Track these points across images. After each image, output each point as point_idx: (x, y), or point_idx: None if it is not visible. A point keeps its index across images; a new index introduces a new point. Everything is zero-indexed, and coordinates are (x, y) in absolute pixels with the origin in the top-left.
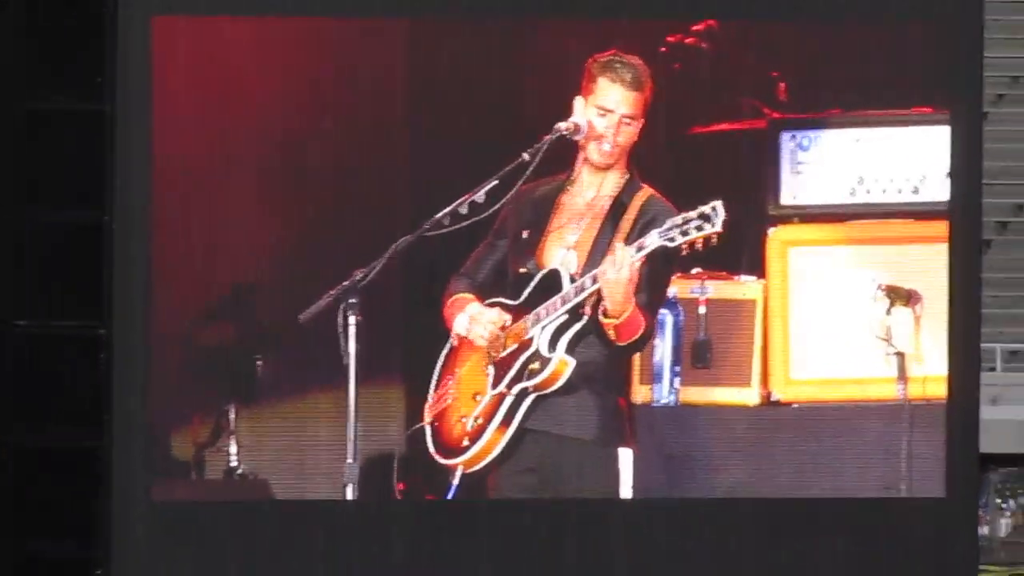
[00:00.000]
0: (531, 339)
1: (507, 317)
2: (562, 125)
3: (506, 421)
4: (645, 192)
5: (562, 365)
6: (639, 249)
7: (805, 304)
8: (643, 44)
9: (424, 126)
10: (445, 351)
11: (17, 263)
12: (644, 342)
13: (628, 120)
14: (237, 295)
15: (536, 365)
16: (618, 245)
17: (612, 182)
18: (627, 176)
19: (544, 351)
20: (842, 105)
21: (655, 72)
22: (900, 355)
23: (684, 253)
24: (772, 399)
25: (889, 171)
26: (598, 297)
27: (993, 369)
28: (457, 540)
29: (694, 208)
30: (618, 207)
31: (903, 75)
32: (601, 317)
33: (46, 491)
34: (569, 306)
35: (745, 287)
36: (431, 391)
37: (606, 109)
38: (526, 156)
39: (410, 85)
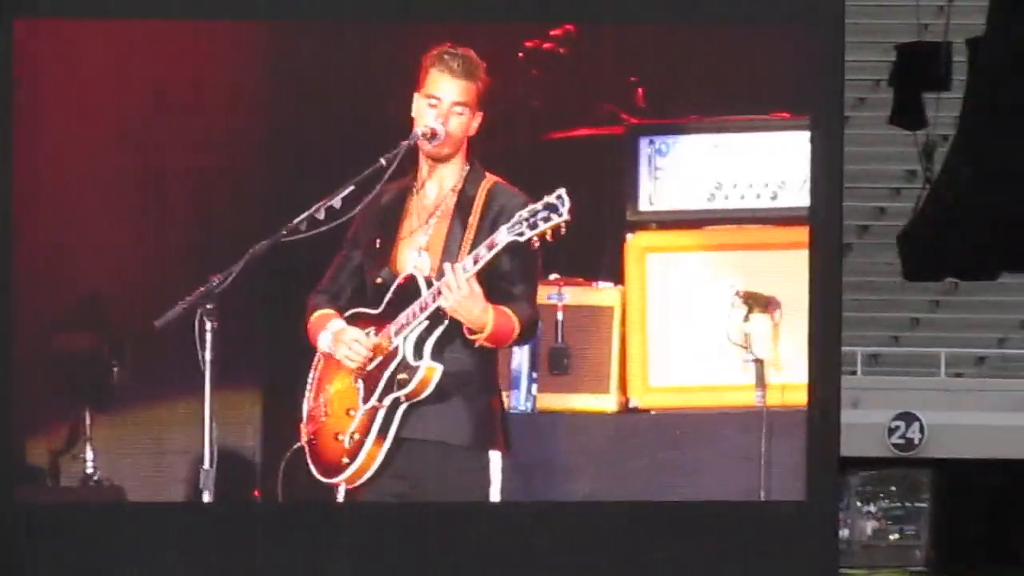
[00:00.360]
0: (396, 349)
1: (370, 330)
2: (419, 130)
3: (382, 433)
4: (489, 180)
5: (430, 372)
6: (489, 248)
7: (663, 311)
8: (501, 49)
9: (281, 130)
10: (314, 367)
11: None
12: (529, 336)
13: (458, 109)
14: (93, 300)
15: (404, 375)
16: (446, 267)
17: (453, 175)
18: (467, 167)
19: (411, 359)
20: (700, 111)
21: (513, 77)
22: (759, 362)
23: (535, 246)
24: (631, 406)
25: (747, 176)
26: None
27: (854, 373)
28: (316, 543)
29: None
30: (464, 200)
31: (763, 80)
32: (467, 335)
33: None
34: (428, 312)
35: (603, 293)
36: (305, 409)
37: (435, 98)
38: (383, 161)
39: (267, 88)
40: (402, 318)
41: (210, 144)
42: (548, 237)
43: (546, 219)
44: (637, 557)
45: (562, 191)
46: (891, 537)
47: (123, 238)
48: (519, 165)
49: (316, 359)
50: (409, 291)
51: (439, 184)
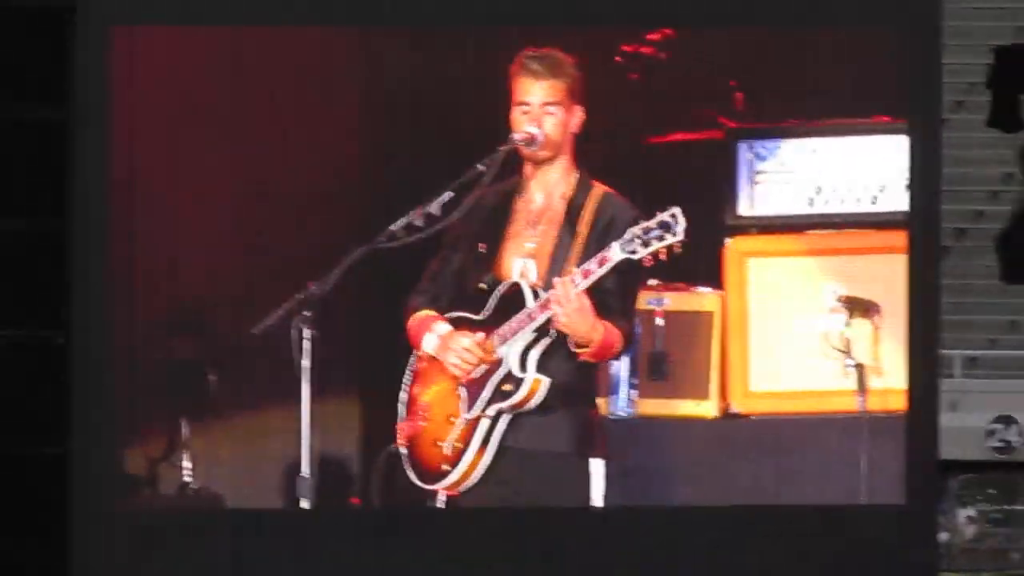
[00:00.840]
0: (500, 359)
1: (473, 336)
2: (516, 136)
3: (484, 443)
4: (599, 190)
5: (536, 384)
6: (600, 264)
7: (763, 315)
8: (597, 54)
9: (377, 136)
10: (410, 369)
11: None
12: (627, 350)
13: (551, 109)
14: (190, 307)
15: (509, 386)
16: (556, 281)
17: (560, 182)
18: (575, 174)
19: (516, 371)
20: (800, 114)
21: (611, 83)
22: (859, 367)
23: (648, 264)
24: (731, 411)
25: (847, 181)
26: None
27: (952, 376)
28: (418, 548)
29: (652, 216)
30: (573, 209)
31: (862, 83)
32: (573, 349)
33: (7, 500)
34: (535, 324)
35: (703, 299)
36: (401, 411)
37: (525, 103)
38: (481, 167)
39: (363, 94)
40: (507, 328)
41: (308, 150)
42: (662, 257)
43: (660, 238)
44: (735, 561)
45: (676, 210)
46: (990, 540)
47: (221, 244)
48: (617, 170)
49: (413, 359)
50: (514, 299)
51: (545, 189)
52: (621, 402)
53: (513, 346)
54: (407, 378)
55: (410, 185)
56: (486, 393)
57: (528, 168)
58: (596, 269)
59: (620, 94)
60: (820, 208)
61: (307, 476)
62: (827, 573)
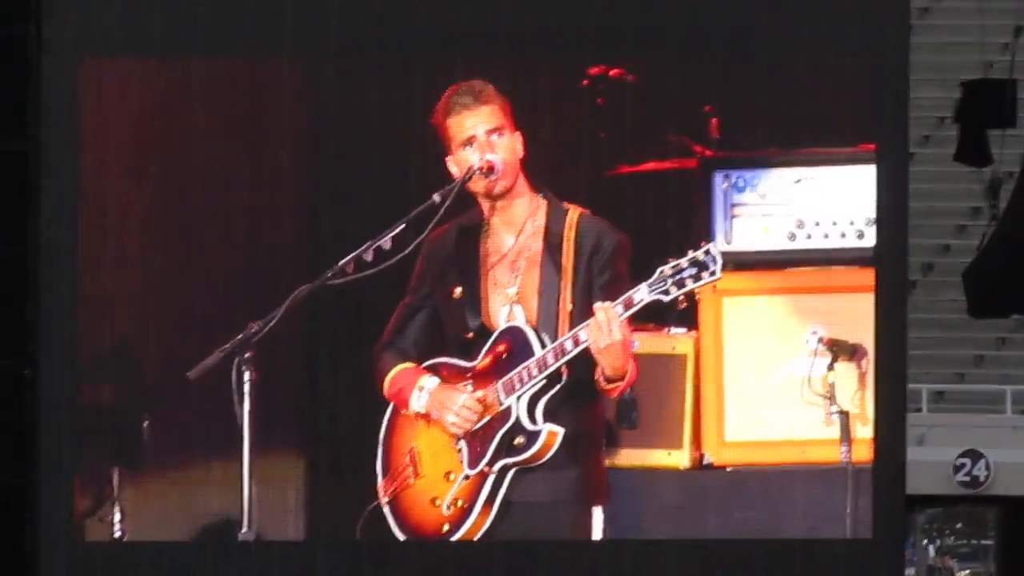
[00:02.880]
0: (507, 410)
1: (465, 385)
2: (475, 166)
3: (490, 500)
4: (574, 213)
5: (551, 437)
6: (626, 307)
7: (741, 359)
8: (563, 77)
9: (325, 167)
10: (386, 421)
11: None
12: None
13: (495, 134)
14: (121, 349)
15: (521, 439)
16: (597, 306)
17: (524, 210)
18: (543, 201)
19: (526, 423)
20: (780, 142)
21: (577, 107)
22: (844, 414)
23: (682, 307)
24: (705, 462)
25: (832, 214)
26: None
27: (919, 410)
28: None
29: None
30: (551, 242)
31: (843, 110)
32: (602, 384)
33: None
34: (549, 372)
35: (675, 341)
36: (380, 466)
37: (468, 138)
38: (436, 198)
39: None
40: (514, 378)
41: (249, 183)
42: (696, 296)
43: (695, 278)
44: None
45: (711, 246)
46: (957, 574)
47: (153, 281)
48: (582, 201)
49: (389, 412)
50: (515, 344)
51: (512, 224)
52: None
53: (521, 396)
54: (383, 432)
55: (359, 218)
56: (492, 448)
57: (486, 205)
58: (621, 311)
59: (585, 120)
60: (802, 243)
61: (248, 533)
62: None
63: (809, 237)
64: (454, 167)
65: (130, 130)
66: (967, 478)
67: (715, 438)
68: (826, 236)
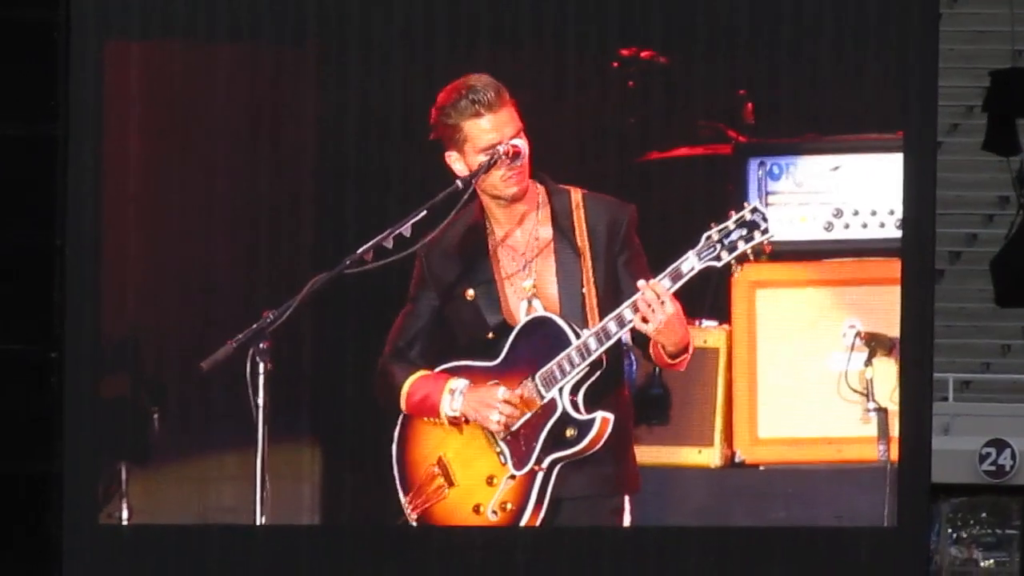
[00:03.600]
0: (551, 403)
1: (493, 383)
2: (501, 148)
3: (540, 499)
4: (576, 195)
5: (604, 423)
6: (674, 280)
7: (774, 353)
8: (589, 57)
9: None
10: (397, 436)
11: None
12: None
13: (518, 138)
14: (130, 339)
15: (573, 431)
16: (641, 284)
17: (528, 203)
18: (540, 189)
19: (572, 412)
20: (818, 128)
21: (605, 91)
22: (882, 411)
23: (735, 274)
24: (736, 460)
25: (871, 203)
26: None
27: (945, 399)
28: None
29: (665, 226)
30: (560, 225)
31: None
32: (666, 360)
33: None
34: (594, 358)
35: (706, 334)
36: (399, 480)
37: (492, 144)
38: (459, 184)
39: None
40: (555, 367)
41: (265, 170)
42: (751, 259)
43: (747, 238)
44: None
45: (757, 203)
46: (982, 564)
47: (165, 269)
48: (610, 189)
49: (400, 422)
50: (543, 335)
51: (513, 214)
52: None
53: (564, 386)
54: (396, 448)
55: (376, 206)
56: (539, 444)
57: (487, 202)
58: (669, 284)
59: (615, 103)
60: (839, 233)
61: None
62: None
63: (847, 227)
64: (459, 164)
65: (153, 115)
66: (992, 467)
67: (747, 435)
68: (865, 226)
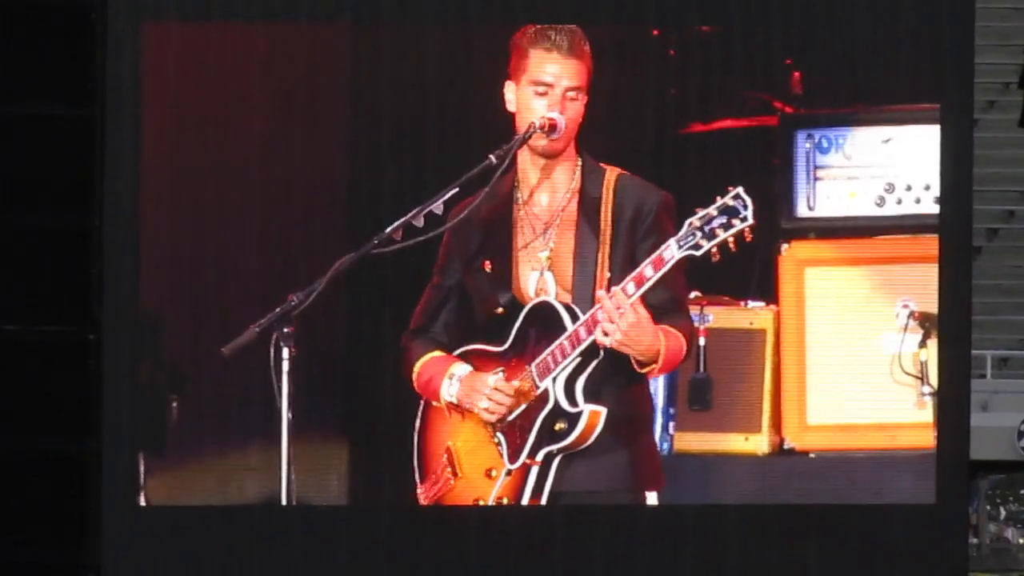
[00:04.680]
0: (545, 393)
1: (499, 371)
2: (536, 121)
3: (537, 493)
4: (612, 174)
5: (594, 417)
6: (638, 284)
7: (824, 335)
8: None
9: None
10: (419, 419)
11: (4, 267)
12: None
13: (572, 94)
14: (150, 323)
15: (563, 424)
16: (601, 294)
17: (566, 174)
18: (578, 161)
19: (565, 405)
20: (868, 99)
21: (644, 60)
22: (937, 395)
23: (716, 260)
24: (785, 447)
25: (925, 177)
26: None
27: (983, 376)
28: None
29: (707, 202)
30: (588, 203)
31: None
32: (637, 369)
33: (34, 498)
34: (582, 347)
35: (753, 314)
36: (416, 467)
37: (545, 84)
38: (492, 159)
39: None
40: (547, 357)
41: (289, 145)
42: (731, 247)
43: (726, 225)
44: (765, 559)
45: (739, 190)
46: (1020, 540)
47: (186, 250)
48: (651, 164)
49: (422, 408)
50: (545, 321)
51: (551, 187)
52: (655, 435)
53: (557, 377)
54: (417, 431)
55: (408, 183)
56: (532, 437)
57: (529, 166)
58: (652, 274)
59: (655, 73)
60: (891, 209)
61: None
62: (859, 570)
63: (899, 202)
64: (510, 95)
65: (189, 95)
66: None
67: (796, 421)
68: (918, 201)
